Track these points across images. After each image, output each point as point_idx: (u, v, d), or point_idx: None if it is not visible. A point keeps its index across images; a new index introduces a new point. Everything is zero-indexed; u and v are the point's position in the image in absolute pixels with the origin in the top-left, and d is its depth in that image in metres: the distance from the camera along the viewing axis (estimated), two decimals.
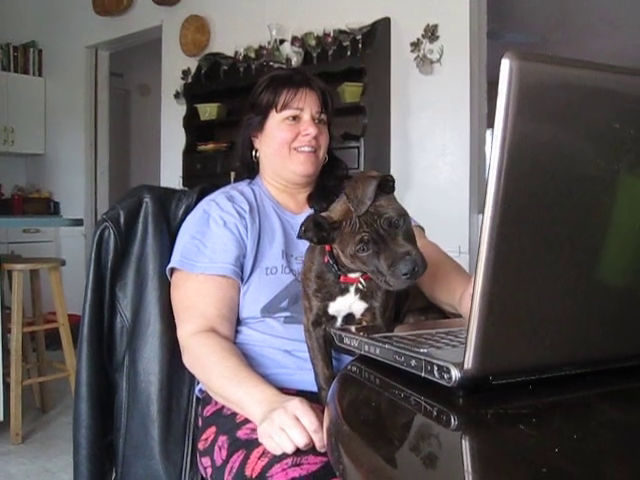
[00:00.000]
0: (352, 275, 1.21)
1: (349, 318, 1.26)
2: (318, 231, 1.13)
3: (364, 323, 1.25)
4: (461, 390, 0.73)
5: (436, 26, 3.69)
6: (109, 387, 1.52)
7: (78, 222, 3.73)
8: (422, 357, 0.78)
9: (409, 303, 1.39)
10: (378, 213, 1.09)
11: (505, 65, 0.63)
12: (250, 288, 1.41)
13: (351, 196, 1.10)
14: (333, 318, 1.26)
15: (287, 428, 1.07)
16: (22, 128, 6.14)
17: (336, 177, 1.63)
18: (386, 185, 1.13)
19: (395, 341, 0.90)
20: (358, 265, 1.12)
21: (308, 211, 1.53)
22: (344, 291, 1.24)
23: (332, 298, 1.24)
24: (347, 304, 1.24)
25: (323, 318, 1.26)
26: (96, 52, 6.03)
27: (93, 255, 1.49)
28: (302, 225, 1.14)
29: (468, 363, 0.69)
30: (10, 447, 3.13)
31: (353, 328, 1.11)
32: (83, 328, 1.48)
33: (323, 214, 1.15)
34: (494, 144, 0.64)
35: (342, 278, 1.21)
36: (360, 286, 1.22)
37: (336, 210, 1.15)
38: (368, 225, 1.08)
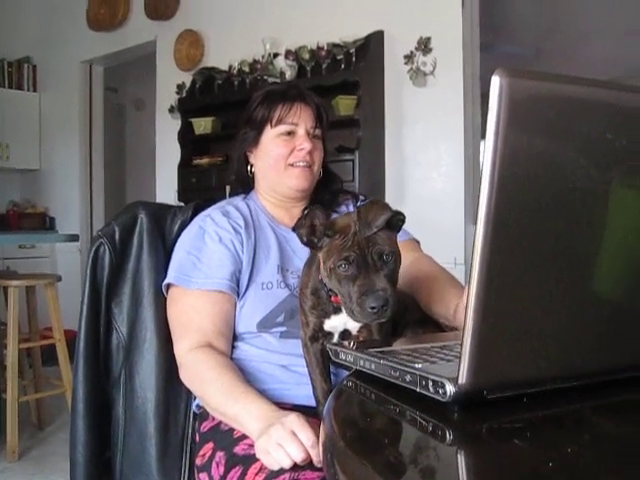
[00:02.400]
0: None
1: (346, 334, 1.26)
2: (310, 232, 1.16)
3: (361, 339, 1.25)
4: (456, 405, 0.73)
5: (429, 39, 3.71)
6: (106, 403, 1.52)
7: (74, 238, 3.73)
8: (417, 372, 0.79)
9: (407, 316, 1.39)
10: (374, 242, 1.10)
11: (495, 82, 0.64)
12: (246, 303, 1.42)
13: (362, 216, 1.11)
14: (330, 334, 1.26)
15: (284, 443, 1.06)
16: (17, 143, 6.12)
17: (331, 191, 1.64)
18: (395, 221, 1.15)
19: (390, 356, 0.90)
20: (333, 282, 1.13)
21: None
22: (337, 310, 1.23)
23: (327, 316, 1.24)
24: (342, 322, 1.24)
25: (320, 333, 1.26)
26: (90, 67, 6.04)
27: (88, 271, 1.49)
28: (299, 219, 1.16)
29: (462, 378, 0.69)
30: (7, 465, 3.10)
31: (348, 343, 1.11)
32: (79, 344, 1.48)
33: (323, 219, 1.16)
34: (485, 159, 0.64)
35: (333, 298, 1.22)
36: None
37: (337, 222, 1.16)
38: (360, 248, 1.09)
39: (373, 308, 1.05)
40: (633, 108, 0.73)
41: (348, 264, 1.09)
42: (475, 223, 0.66)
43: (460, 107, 3.64)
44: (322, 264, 1.16)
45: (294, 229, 1.19)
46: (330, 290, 1.20)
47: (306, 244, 1.19)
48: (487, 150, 0.64)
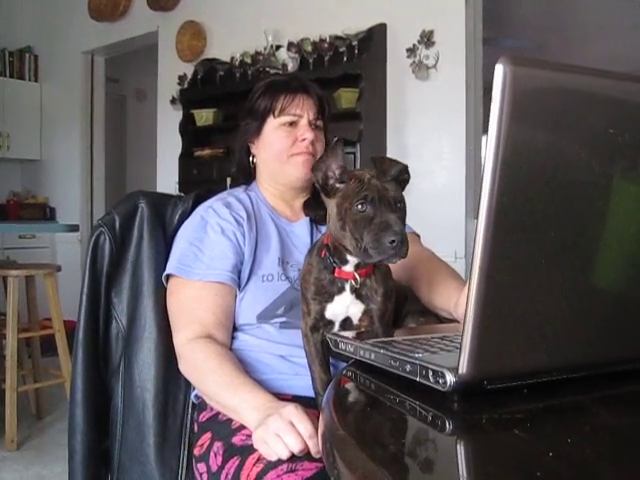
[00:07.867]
0: (346, 269, 1.21)
1: (347, 323, 1.25)
2: (325, 177, 1.19)
3: (362, 329, 1.24)
4: (456, 395, 0.73)
5: (432, 32, 3.70)
6: (104, 393, 1.51)
7: (74, 228, 3.72)
8: (417, 362, 0.78)
9: (408, 306, 1.39)
10: (388, 188, 1.13)
11: (499, 70, 0.63)
12: (246, 295, 1.41)
13: (377, 164, 1.15)
14: (331, 323, 1.26)
15: (282, 434, 1.07)
16: (18, 133, 6.12)
17: None
18: (402, 178, 1.18)
19: (390, 346, 0.89)
20: (347, 225, 1.13)
21: (304, 219, 1.54)
22: (341, 290, 1.23)
23: (330, 299, 1.24)
24: (344, 305, 1.24)
25: (321, 323, 1.26)
26: (92, 57, 6.03)
27: (88, 260, 1.48)
28: (318, 161, 1.21)
29: (463, 368, 0.69)
30: (5, 454, 3.11)
31: (348, 333, 1.10)
32: (78, 334, 1.47)
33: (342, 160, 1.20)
34: (488, 150, 0.64)
35: (337, 272, 1.22)
36: (354, 282, 1.22)
37: (352, 170, 1.20)
38: (378, 190, 1.12)
39: (392, 242, 1.06)
40: (636, 102, 0.73)
41: (366, 203, 1.11)
42: (476, 216, 0.65)
43: (462, 101, 3.63)
44: (334, 210, 1.17)
45: (312, 171, 1.22)
46: (334, 262, 1.21)
47: (320, 188, 1.22)
48: (490, 138, 0.64)
